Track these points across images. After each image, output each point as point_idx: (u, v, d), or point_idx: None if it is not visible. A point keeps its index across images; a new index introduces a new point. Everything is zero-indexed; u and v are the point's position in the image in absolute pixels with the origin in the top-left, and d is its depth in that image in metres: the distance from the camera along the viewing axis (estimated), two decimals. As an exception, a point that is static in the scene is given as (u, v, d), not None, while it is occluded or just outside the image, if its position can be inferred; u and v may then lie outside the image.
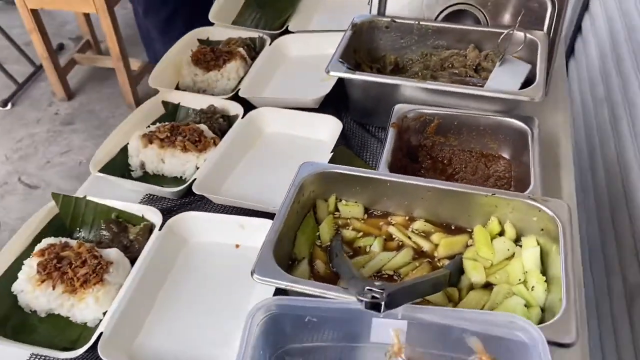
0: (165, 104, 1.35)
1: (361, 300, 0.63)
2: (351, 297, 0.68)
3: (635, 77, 1.56)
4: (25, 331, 0.89)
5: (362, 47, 1.38)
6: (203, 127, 1.20)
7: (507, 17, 1.35)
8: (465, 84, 1.25)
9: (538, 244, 0.87)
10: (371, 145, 1.25)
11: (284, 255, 0.88)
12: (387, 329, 0.70)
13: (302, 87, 1.36)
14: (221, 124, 1.25)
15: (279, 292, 0.82)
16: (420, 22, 1.36)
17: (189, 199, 1.12)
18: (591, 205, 1.77)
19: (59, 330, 0.90)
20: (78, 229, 1.06)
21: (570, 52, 2.35)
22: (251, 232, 1.00)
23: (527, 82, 1.17)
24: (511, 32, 1.20)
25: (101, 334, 0.83)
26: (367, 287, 0.64)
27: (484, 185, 1.10)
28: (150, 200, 1.12)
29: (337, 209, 0.99)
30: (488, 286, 0.86)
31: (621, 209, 1.51)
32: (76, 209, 1.06)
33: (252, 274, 0.78)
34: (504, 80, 1.16)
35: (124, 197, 1.09)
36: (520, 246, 0.89)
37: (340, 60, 1.22)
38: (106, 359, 0.81)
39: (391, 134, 1.13)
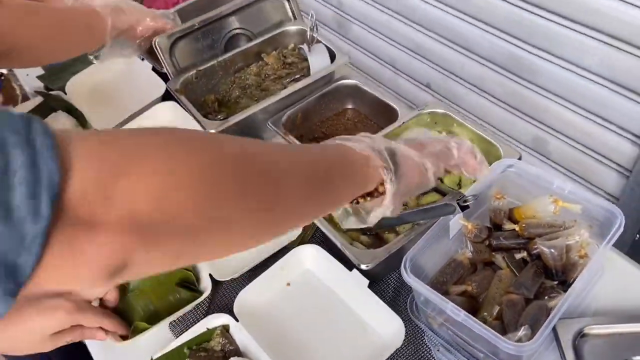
0: None
1: (461, 207, 0.97)
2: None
3: None
4: None
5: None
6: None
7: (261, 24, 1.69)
8: (295, 80, 1.57)
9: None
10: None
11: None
12: (456, 222, 1.07)
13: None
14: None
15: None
16: (219, 60, 1.60)
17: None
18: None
19: None
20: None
21: None
22: (290, 265, 1.18)
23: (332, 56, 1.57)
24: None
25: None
26: (457, 198, 0.97)
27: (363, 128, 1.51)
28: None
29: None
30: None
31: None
32: None
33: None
34: (319, 61, 1.54)
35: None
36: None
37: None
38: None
39: (292, 139, 1.41)
